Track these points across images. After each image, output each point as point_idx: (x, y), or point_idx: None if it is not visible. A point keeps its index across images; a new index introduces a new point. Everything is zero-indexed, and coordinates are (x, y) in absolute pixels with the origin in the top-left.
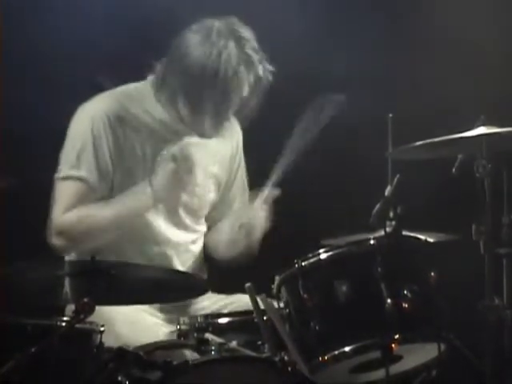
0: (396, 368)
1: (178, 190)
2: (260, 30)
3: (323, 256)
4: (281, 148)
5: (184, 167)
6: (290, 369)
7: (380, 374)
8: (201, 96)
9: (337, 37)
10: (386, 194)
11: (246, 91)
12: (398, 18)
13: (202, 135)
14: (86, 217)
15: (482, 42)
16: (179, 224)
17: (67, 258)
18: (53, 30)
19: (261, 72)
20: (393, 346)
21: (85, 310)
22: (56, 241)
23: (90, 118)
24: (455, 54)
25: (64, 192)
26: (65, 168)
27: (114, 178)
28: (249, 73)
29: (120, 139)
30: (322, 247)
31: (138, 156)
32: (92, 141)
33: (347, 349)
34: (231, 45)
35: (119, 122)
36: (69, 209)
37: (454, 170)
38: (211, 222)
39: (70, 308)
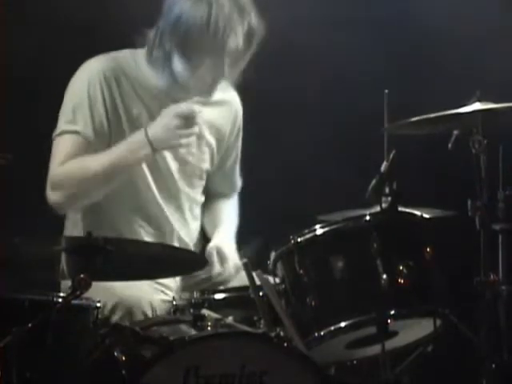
0: (392, 343)
1: (174, 144)
2: None
3: (319, 232)
4: None
5: (187, 127)
6: (286, 344)
7: (376, 349)
8: (194, 47)
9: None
10: (382, 169)
11: (240, 42)
12: None
13: (200, 93)
14: (78, 167)
15: (480, 17)
16: (172, 188)
17: (64, 234)
18: None
19: (254, 22)
20: (388, 321)
21: (81, 286)
22: (51, 196)
23: (87, 77)
24: (452, 29)
25: (60, 146)
26: (61, 124)
27: (112, 140)
28: (242, 21)
29: (116, 99)
30: (318, 223)
31: (134, 118)
32: (88, 99)
33: (343, 324)
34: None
35: (116, 82)
36: (64, 161)
37: (449, 145)
38: (210, 195)
39: (66, 284)
